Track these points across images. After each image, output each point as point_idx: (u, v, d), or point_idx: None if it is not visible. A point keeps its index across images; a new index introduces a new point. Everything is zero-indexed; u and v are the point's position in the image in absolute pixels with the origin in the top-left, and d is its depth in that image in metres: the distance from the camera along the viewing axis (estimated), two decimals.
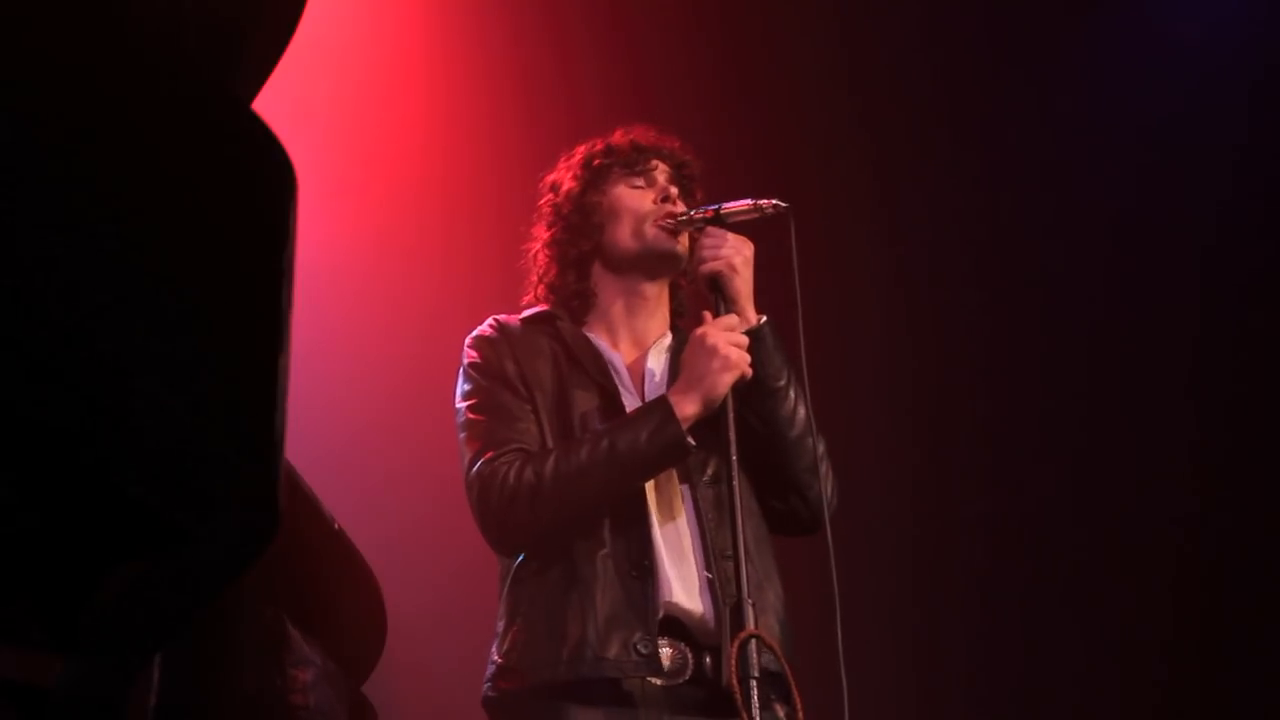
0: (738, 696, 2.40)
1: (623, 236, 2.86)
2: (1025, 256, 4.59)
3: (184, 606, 1.18)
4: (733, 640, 2.45)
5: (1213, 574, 4.36)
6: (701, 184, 2.93)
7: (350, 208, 4.32)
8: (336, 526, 2.03)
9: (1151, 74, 4.64)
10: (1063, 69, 4.63)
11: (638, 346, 2.88)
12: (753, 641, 2.44)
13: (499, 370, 2.78)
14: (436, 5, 4.62)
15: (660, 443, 2.61)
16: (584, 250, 2.90)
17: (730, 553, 2.60)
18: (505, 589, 2.75)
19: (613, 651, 2.55)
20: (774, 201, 2.75)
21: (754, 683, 2.42)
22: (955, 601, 4.44)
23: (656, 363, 2.85)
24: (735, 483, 2.57)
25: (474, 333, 2.87)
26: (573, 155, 2.98)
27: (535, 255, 2.98)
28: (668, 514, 2.69)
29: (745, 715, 2.39)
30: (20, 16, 1.04)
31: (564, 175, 2.97)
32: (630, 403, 2.76)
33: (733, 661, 2.42)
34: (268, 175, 1.14)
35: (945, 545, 4.46)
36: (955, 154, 4.61)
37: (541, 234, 2.97)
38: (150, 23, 1.15)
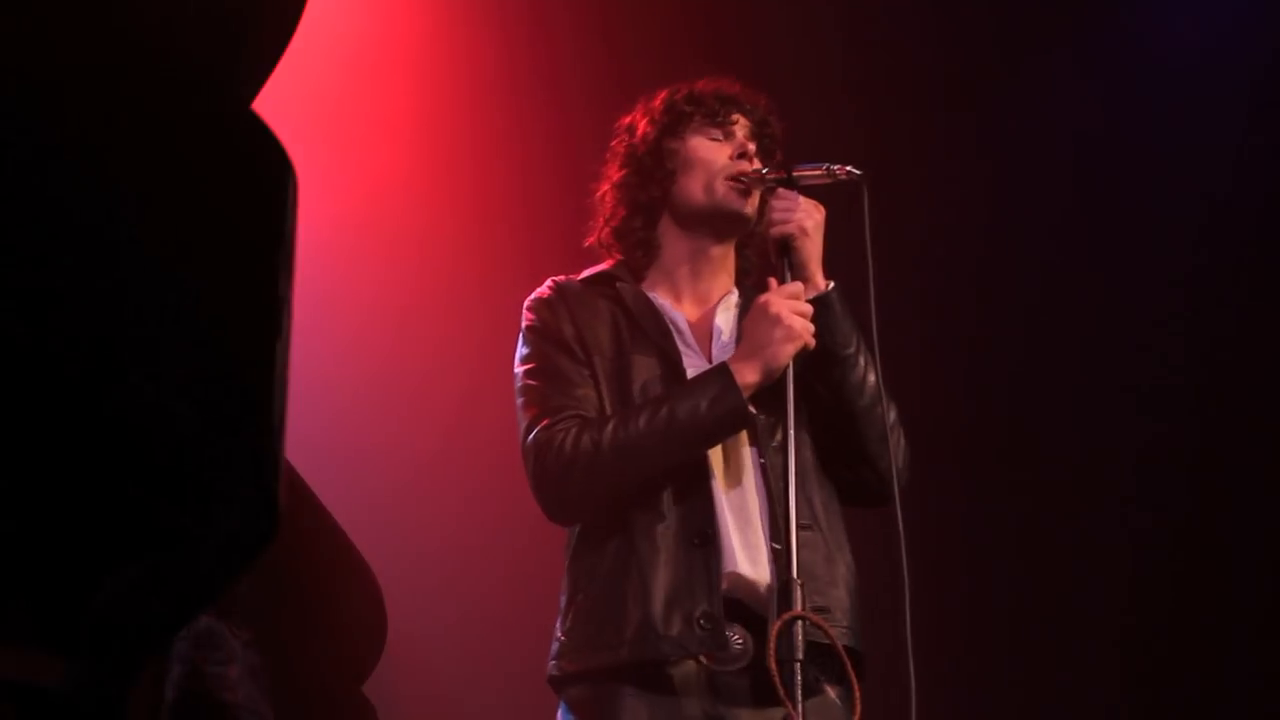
0: (776, 679, 2.37)
1: (693, 189, 2.78)
2: (1029, 259, 4.57)
3: (184, 607, 1.18)
4: (777, 620, 2.41)
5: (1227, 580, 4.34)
6: (783, 146, 2.86)
7: (361, 211, 4.30)
8: (336, 526, 2.03)
9: (1155, 74, 4.63)
10: (1065, 70, 4.63)
11: (701, 304, 2.82)
12: (798, 623, 2.40)
13: (556, 333, 2.73)
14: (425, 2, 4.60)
15: (720, 412, 2.57)
16: (654, 196, 2.82)
17: (800, 522, 2.55)
18: (567, 561, 2.70)
19: (675, 629, 2.51)
20: (848, 168, 2.69)
21: (797, 665, 2.38)
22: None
23: (724, 320, 2.79)
24: (791, 453, 2.53)
25: (532, 295, 2.81)
26: (652, 99, 2.90)
27: (604, 196, 2.90)
28: (735, 480, 2.64)
29: (785, 698, 2.37)
30: (20, 15, 1.04)
31: (641, 118, 2.89)
32: (693, 363, 2.70)
33: (772, 644, 2.39)
34: (267, 175, 1.14)
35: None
36: (956, 157, 4.59)
37: (613, 174, 2.89)
38: (151, 21, 1.15)
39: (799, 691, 2.38)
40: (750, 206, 2.77)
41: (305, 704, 2.14)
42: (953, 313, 4.48)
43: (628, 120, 2.91)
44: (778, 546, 2.54)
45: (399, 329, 4.29)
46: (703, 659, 2.53)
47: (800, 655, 2.39)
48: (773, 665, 2.38)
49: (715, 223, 2.80)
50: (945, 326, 4.43)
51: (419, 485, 4.14)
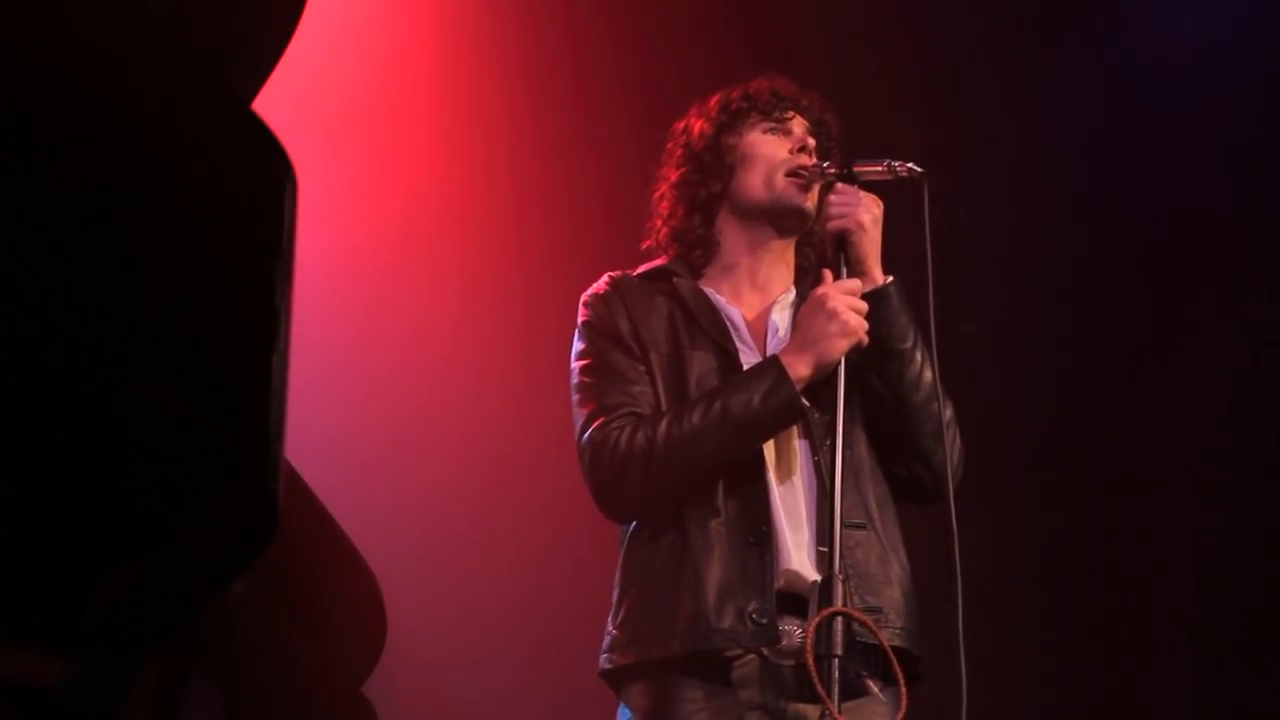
0: (814, 674, 2.37)
1: (753, 184, 2.77)
2: (1030, 258, 4.56)
3: (183, 606, 1.18)
4: (817, 616, 2.41)
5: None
6: (841, 145, 2.84)
7: (365, 210, 4.29)
8: (336, 526, 2.04)
9: (1160, 75, 4.62)
10: (1067, 72, 4.62)
11: (760, 301, 2.81)
12: (838, 619, 2.41)
13: (612, 329, 2.72)
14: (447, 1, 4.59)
15: (773, 405, 2.56)
16: (713, 193, 2.81)
17: (854, 521, 2.55)
18: (620, 556, 2.70)
19: (727, 622, 2.51)
20: (909, 165, 2.67)
21: (834, 661, 2.39)
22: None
23: (781, 318, 2.78)
24: (839, 451, 2.53)
25: (589, 290, 2.80)
26: (706, 100, 2.89)
27: (660, 198, 2.88)
28: (786, 476, 2.63)
29: (822, 693, 2.37)
30: (19, 15, 1.04)
31: (697, 119, 2.88)
32: (749, 360, 2.69)
33: (810, 639, 2.39)
34: (266, 175, 1.14)
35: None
36: (956, 157, 4.58)
37: (670, 175, 2.87)
38: (148, 21, 1.15)
39: (836, 687, 2.38)
40: (810, 202, 2.76)
41: (304, 704, 2.15)
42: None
43: (682, 123, 2.90)
44: (823, 550, 2.53)
45: (406, 330, 4.28)
46: (764, 651, 2.53)
47: (839, 651, 2.40)
48: (810, 661, 2.38)
49: (775, 218, 2.79)
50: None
51: (421, 486, 4.13)
